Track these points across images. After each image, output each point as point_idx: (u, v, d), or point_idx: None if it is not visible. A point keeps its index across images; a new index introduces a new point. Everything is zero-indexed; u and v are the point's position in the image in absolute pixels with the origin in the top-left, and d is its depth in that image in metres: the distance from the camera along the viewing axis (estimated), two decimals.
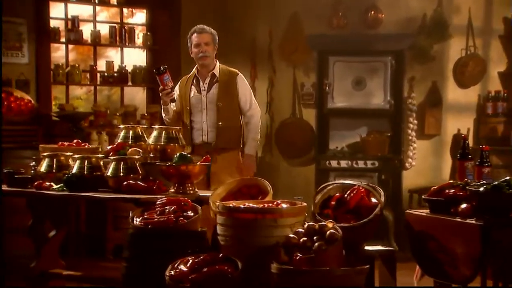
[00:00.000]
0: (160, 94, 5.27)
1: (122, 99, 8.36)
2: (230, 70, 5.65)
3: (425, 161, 7.82)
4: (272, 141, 8.39)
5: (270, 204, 3.61)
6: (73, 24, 7.79)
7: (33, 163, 4.69)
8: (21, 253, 6.01)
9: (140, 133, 4.65)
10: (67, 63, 7.86)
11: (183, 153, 4.29)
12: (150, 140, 4.56)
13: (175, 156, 4.25)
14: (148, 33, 8.28)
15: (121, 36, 8.16)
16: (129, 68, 8.20)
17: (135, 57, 8.40)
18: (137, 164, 4.27)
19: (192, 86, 5.56)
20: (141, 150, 4.47)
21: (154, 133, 4.58)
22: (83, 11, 8.08)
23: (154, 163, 4.34)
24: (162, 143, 4.51)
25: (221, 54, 8.38)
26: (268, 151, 8.44)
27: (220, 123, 5.37)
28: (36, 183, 4.45)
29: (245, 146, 5.40)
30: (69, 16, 7.83)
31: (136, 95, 8.59)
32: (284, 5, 8.10)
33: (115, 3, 8.28)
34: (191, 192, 4.21)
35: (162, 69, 5.10)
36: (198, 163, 4.21)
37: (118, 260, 6.66)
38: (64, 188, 4.36)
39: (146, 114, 8.09)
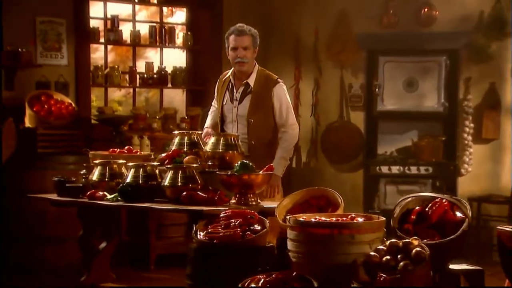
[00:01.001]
0: None
1: (161, 101, 8.29)
2: (268, 77, 5.05)
3: (482, 167, 7.64)
4: (317, 145, 8.26)
5: (344, 218, 3.47)
6: (112, 24, 7.73)
7: (84, 171, 4.59)
8: (68, 262, 5.99)
9: (196, 140, 4.54)
10: (105, 64, 7.80)
11: (245, 161, 4.16)
12: (208, 147, 4.44)
13: (236, 164, 4.13)
14: (189, 33, 8.20)
15: (161, 36, 8.07)
16: (169, 69, 8.12)
17: (174, 58, 8.33)
18: (196, 173, 4.15)
19: (227, 91, 5.09)
20: (198, 158, 4.35)
21: (212, 139, 4.46)
22: (122, 10, 8.01)
23: (213, 172, 4.22)
24: (220, 150, 4.38)
25: (263, 55, 8.35)
26: (313, 156, 8.31)
27: (253, 141, 4.88)
28: (88, 192, 4.36)
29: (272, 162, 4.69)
30: (108, 16, 7.77)
31: (175, 97, 8.52)
32: (331, 2, 7.98)
33: (155, 1, 8.21)
34: (253, 203, 4.08)
35: None
36: (261, 172, 4.08)
37: (162, 271, 6.71)
38: (119, 198, 4.26)
39: (186, 117, 8.02)
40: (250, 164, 4.13)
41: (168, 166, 4.19)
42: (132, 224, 6.83)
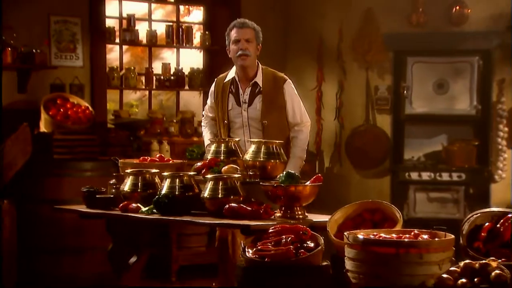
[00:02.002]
0: None
1: (177, 104, 8.13)
2: (275, 75, 4.85)
3: None
4: (342, 150, 8.11)
5: (407, 235, 3.29)
6: (128, 23, 7.56)
7: (113, 180, 4.41)
8: (87, 274, 5.84)
9: (234, 147, 4.35)
10: (121, 65, 7.64)
11: (290, 171, 3.98)
12: (248, 156, 4.25)
13: (281, 175, 3.94)
14: (206, 33, 8.03)
15: (178, 35, 7.90)
16: (186, 71, 7.96)
17: (191, 59, 8.17)
18: (238, 184, 3.97)
19: (230, 95, 4.82)
20: (238, 167, 4.17)
21: (252, 147, 4.26)
22: (138, 9, 7.84)
23: (256, 183, 4.04)
24: (261, 159, 4.19)
25: (283, 55, 8.27)
26: (337, 162, 8.15)
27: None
28: (121, 204, 4.18)
29: (287, 164, 4.46)
30: (124, 15, 7.59)
31: (192, 100, 8.34)
32: (356, 0, 7.86)
33: (172, 0, 8.04)
34: (301, 216, 3.90)
35: None
36: (308, 183, 3.90)
37: (184, 283, 6.53)
38: (154, 211, 4.08)
39: None
40: (296, 174, 3.95)
41: (208, 176, 4.01)
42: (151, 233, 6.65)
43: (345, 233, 3.31)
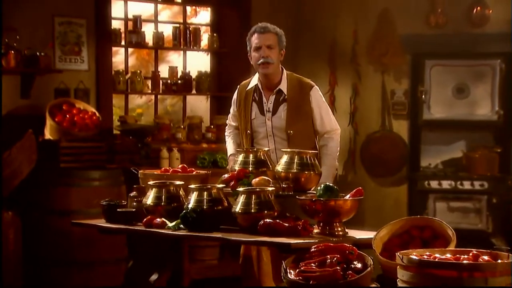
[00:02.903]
0: None
1: (184, 109, 7.98)
2: (301, 81, 4.66)
3: None
4: (356, 157, 7.93)
5: (465, 256, 3.08)
6: (135, 24, 7.37)
7: (134, 193, 4.19)
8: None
9: (263, 157, 4.14)
10: (126, 69, 7.45)
11: (329, 184, 3.78)
12: (280, 167, 4.04)
13: (319, 188, 3.74)
14: (214, 35, 7.86)
15: (186, 38, 7.73)
16: (193, 74, 7.80)
17: (198, 62, 8.01)
18: (272, 198, 3.76)
19: (254, 103, 4.63)
20: (270, 179, 3.96)
21: (285, 157, 4.06)
22: (143, 10, 7.65)
23: (290, 196, 3.84)
24: (295, 170, 3.99)
25: (294, 58, 8.06)
26: (351, 169, 7.96)
27: None
28: (145, 219, 3.96)
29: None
30: (129, 16, 7.41)
31: (199, 105, 8.20)
32: (372, 1, 7.69)
33: (179, 0, 7.84)
34: (341, 233, 3.70)
35: None
36: (349, 197, 3.69)
37: None
38: (181, 226, 3.87)
39: (212, 127, 7.70)
40: (335, 187, 3.74)
41: (240, 189, 3.80)
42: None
43: (398, 254, 3.10)
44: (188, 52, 7.83)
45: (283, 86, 4.64)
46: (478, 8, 7.33)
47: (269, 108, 4.62)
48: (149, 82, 7.57)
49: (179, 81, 7.67)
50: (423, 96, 7.37)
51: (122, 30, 7.33)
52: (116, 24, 7.26)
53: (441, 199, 7.28)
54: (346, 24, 7.78)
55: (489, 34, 7.28)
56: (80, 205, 5.83)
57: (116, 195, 5.93)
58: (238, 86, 4.81)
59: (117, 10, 7.29)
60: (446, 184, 7.26)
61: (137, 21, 7.37)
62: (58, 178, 6.01)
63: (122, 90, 7.29)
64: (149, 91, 7.59)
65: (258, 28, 4.64)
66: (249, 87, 4.73)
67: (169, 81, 7.62)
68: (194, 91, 7.81)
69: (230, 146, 4.74)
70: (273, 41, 4.59)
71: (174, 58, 8.10)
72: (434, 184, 7.29)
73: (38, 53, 6.33)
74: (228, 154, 4.70)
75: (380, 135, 7.71)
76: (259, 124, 4.63)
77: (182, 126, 7.58)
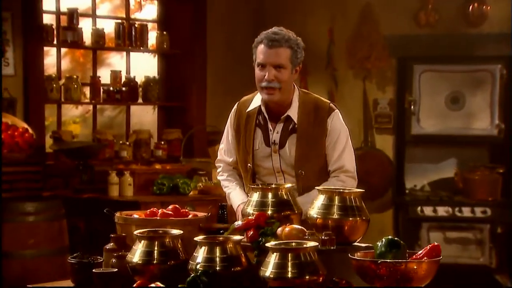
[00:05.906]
0: None
1: (127, 122, 7.33)
2: (317, 104, 3.78)
3: None
4: None
5: None
6: (70, 20, 6.65)
7: (112, 244, 3.21)
8: None
9: (285, 197, 3.25)
10: (59, 74, 6.72)
11: (392, 237, 2.92)
12: (313, 211, 3.16)
13: (380, 243, 2.87)
14: (164, 33, 7.27)
15: (130, 36, 7.04)
16: (139, 80, 7.16)
17: (144, 65, 7.39)
18: (315, 257, 2.89)
19: (257, 129, 3.82)
20: (305, 229, 3.07)
21: (321, 198, 3.17)
22: (79, 2, 6.92)
23: (337, 253, 2.98)
24: (335, 216, 3.11)
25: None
26: None
27: None
28: (135, 285, 3.00)
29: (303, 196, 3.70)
30: (63, 9, 6.64)
31: (145, 116, 7.53)
32: None
33: None
34: None
35: None
36: (425, 258, 2.84)
37: None
38: None
39: (162, 143, 7.08)
40: (402, 242, 2.88)
41: (269, 245, 2.91)
42: None
43: None
44: (132, 54, 7.19)
45: (293, 112, 3.69)
46: (475, 4, 7.18)
47: (274, 140, 3.74)
48: (86, 90, 6.87)
49: (123, 88, 7.02)
50: (411, 107, 7.24)
51: (55, 26, 6.58)
52: (47, 19, 6.53)
53: (436, 229, 7.04)
54: (320, 21, 7.49)
55: (487, 35, 7.17)
56: (15, 247, 5.17)
57: (57, 233, 5.28)
58: (237, 104, 3.84)
59: (48, 1, 6.57)
60: (442, 210, 7.03)
61: (73, 16, 6.64)
62: None
63: (56, 99, 6.58)
64: (88, 101, 6.90)
65: (266, 38, 3.61)
66: (251, 108, 3.79)
67: (111, 88, 6.96)
68: (140, 100, 7.18)
69: (236, 193, 3.83)
70: (284, 59, 3.61)
71: (116, 61, 7.46)
72: (428, 210, 7.05)
73: None
74: (236, 204, 3.77)
75: (362, 153, 7.31)
76: (263, 157, 3.75)
77: (127, 143, 6.91)
